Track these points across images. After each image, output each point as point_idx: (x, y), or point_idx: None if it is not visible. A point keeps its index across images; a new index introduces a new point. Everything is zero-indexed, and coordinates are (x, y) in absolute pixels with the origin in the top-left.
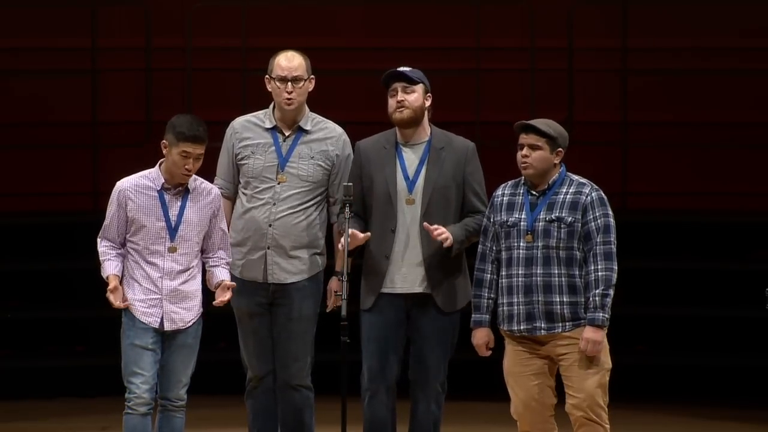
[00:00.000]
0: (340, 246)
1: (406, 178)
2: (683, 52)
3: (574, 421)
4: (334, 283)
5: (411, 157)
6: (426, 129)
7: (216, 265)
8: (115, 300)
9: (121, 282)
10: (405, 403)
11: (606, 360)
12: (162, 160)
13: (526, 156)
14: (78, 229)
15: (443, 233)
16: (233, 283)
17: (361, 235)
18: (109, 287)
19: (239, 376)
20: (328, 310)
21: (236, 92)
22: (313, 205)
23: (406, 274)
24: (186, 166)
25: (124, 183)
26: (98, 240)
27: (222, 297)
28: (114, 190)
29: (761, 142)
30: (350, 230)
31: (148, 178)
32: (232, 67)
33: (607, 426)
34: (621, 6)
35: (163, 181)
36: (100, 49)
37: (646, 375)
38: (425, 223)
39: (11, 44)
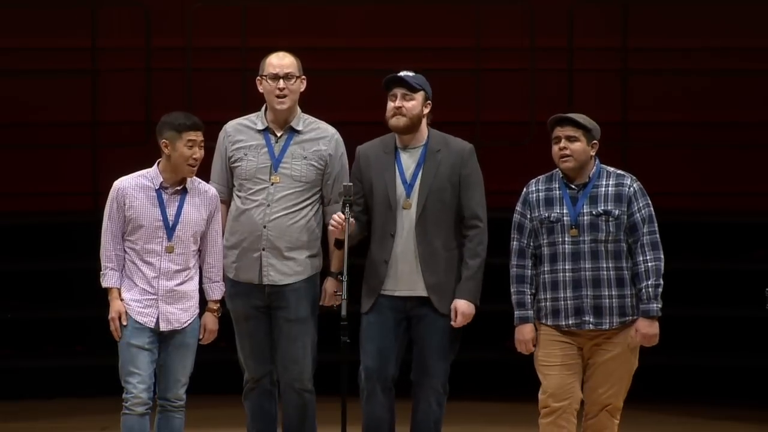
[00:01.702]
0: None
1: (404, 182)
2: (683, 52)
3: (587, 411)
4: (328, 283)
5: (408, 162)
6: (424, 132)
7: (209, 279)
8: (116, 331)
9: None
10: (407, 403)
11: (635, 361)
12: (159, 159)
13: (564, 148)
14: (77, 229)
15: (459, 319)
16: (215, 327)
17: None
18: (111, 314)
19: (239, 376)
20: (321, 303)
21: (236, 92)
22: (308, 205)
23: (405, 278)
24: (193, 156)
25: (122, 182)
26: (101, 246)
27: (207, 340)
28: (112, 189)
29: (761, 142)
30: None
31: (146, 177)
32: (231, 67)
33: (617, 421)
34: (621, 6)
35: (162, 180)
36: (100, 49)
37: (646, 375)
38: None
39: (11, 44)
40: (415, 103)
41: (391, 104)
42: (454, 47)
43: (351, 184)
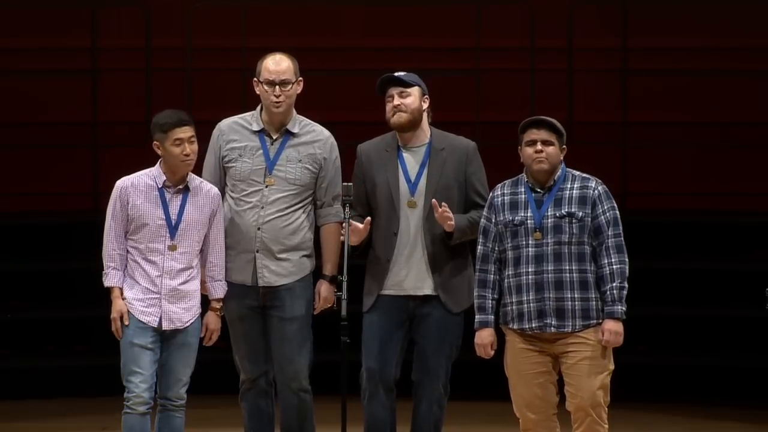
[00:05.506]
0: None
1: (408, 180)
2: (683, 52)
3: (573, 420)
4: (322, 287)
5: (412, 160)
6: (426, 131)
7: (211, 278)
8: (117, 331)
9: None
10: (407, 403)
11: (609, 361)
12: (161, 159)
13: (540, 151)
14: (78, 229)
15: (448, 217)
16: (217, 326)
17: (361, 225)
18: (113, 314)
19: (238, 376)
20: (315, 313)
21: (236, 92)
22: (300, 208)
23: (408, 277)
24: (184, 152)
25: (125, 181)
26: (104, 245)
27: (210, 340)
28: (115, 188)
29: (761, 142)
30: (351, 223)
31: (149, 176)
32: (231, 67)
33: (606, 426)
34: (621, 6)
35: (165, 179)
36: (100, 49)
37: (646, 375)
38: (433, 200)
39: (11, 44)
40: (413, 98)
41: (389, 105)
42: (454, 47)
43: (350, 184)
